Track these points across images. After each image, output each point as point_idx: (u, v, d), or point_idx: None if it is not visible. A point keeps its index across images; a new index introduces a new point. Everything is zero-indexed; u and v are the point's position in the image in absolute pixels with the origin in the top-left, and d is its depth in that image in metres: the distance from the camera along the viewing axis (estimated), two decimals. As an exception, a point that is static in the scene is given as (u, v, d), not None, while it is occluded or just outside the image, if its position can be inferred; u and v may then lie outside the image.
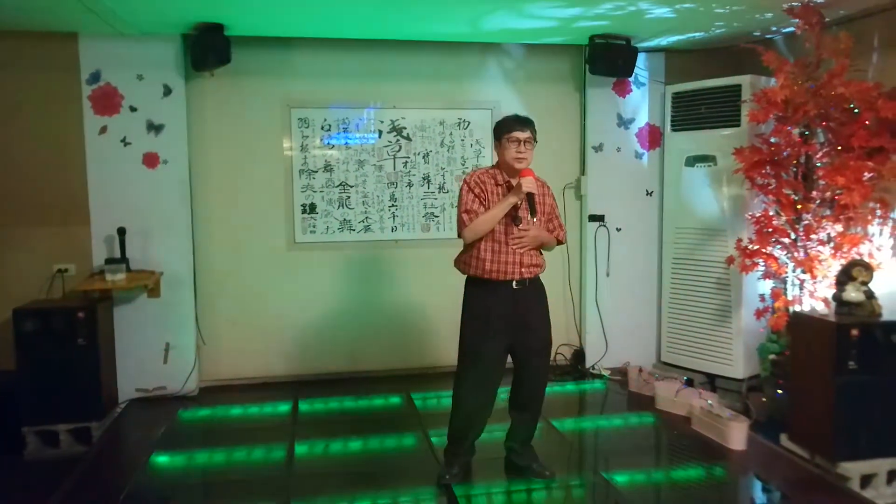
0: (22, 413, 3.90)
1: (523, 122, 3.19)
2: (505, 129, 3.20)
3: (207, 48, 4.31)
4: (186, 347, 4.65)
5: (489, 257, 3.17)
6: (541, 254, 3.32)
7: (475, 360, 3.25)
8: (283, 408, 4.47)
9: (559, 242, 3.42)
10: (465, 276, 3.32)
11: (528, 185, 3.10)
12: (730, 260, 4.38)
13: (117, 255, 4.36)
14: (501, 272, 3.16)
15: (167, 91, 4.50)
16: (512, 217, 3.16)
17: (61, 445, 3.93)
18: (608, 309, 5.17)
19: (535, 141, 3.23)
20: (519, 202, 3.15)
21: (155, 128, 4.51)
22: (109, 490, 3.37)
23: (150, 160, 4.51)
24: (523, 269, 3.18)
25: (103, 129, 4.43)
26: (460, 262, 3.34)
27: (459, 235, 3.25)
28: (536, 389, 3.39)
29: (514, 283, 3.19)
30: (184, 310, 4.64)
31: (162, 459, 3.73)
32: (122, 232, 4.35)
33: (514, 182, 3.20)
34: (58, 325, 3.95)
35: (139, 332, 4.54)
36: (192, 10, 4.03)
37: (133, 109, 4.46)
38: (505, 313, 3.20)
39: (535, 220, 3.17)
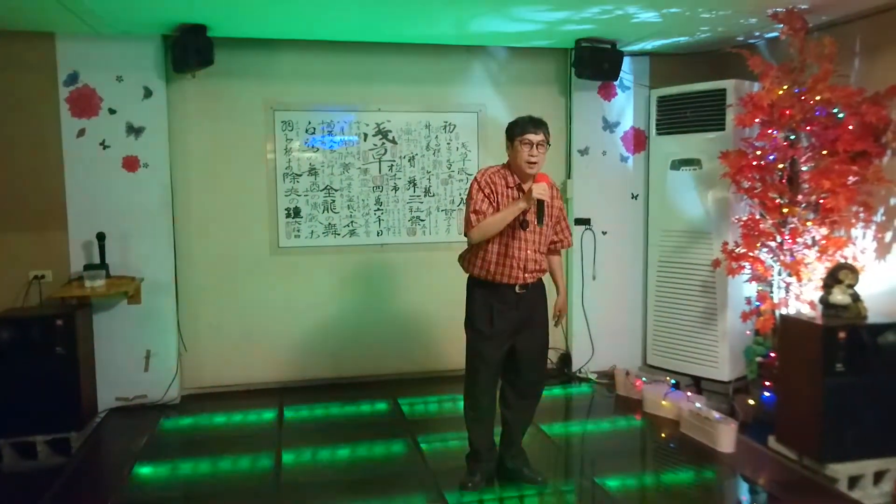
0: (-3, 424, 3.79)
1: (536, 124, 3.15)
2: (518, 130, 3.15)
3: (189, 49, 4.22)
4: (168, 355, 4.55)
5: (494, 259, 3.14)
6: (545, 257, 3.29)
7: (483, 361, 3.23)
8: (268, 415, 4.40)
9: (564, 247, 3.44)
10: (468, 275, 3.29)
11: (539, 191, 3.03)
12: (716, 263, 4.40)
13: (96, 260, 4.26)
14: (506, 275, 3.14)
15: (147, 93, 4.41)
16: (520, 221, 3.12)
17: (39, 457, 3.81)
18: (594, 312, 5.17)
19: (549, 143, 3.20)
20: (528, 208, 3.10)
21: (135, 130, 4.41)
22: (91, 503, 3.27)
23: (130, 163, 4.41)
24: (527, 275, 3.16)
25: (81, 132, 4.32)
26: (464, 260, 3.31)
27: (465, 234, 3.20)
28: (534, 389, 3.38)
29: (517, 287, 3.16)
30: (165, 316, 4.54)
31: (145, 470, 3.64)
32: (101, 237, 4.25)
33: (525, 186, 3.16)
34: (35, 333, 3.85)
35: (119, 339, 4.43)
36: (173, 11, 3.95)
37: (112, 111, 4.36)
38: (508, 315, 3.18)
39: (541, 227, 3.15)
